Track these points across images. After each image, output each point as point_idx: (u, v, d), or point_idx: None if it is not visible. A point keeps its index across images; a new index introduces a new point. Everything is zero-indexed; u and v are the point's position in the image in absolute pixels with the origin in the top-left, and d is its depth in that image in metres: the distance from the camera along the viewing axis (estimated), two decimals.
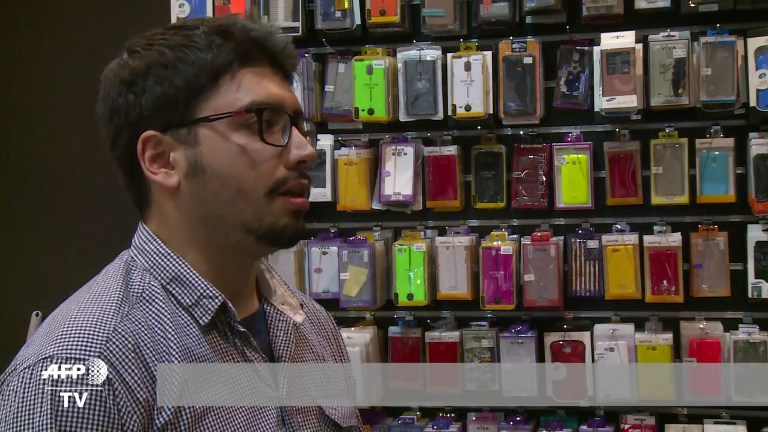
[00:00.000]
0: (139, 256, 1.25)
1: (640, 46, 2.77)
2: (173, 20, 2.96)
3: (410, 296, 2.91)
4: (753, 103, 2.69)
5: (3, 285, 3.74)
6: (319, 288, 2.99)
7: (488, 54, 2.89)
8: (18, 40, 3.74)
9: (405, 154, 2.96)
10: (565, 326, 2.89)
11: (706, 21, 2.76)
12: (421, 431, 2.91)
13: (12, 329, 3.39)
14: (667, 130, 2.81)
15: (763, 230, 2.74)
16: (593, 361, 2.82)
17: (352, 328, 2.99)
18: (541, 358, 2.87)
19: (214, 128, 1.20)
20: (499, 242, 2.87)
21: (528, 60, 2.85)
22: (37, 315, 3.40)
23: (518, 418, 2.88)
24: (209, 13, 3.03)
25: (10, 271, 3.74)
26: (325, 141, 3.02)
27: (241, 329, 1.23)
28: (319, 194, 3.01)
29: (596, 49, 2.77)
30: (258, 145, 1.20)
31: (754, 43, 2.71)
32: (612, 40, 2.76)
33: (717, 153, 2.76)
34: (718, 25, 2.74)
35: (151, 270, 1.23)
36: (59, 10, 3.69)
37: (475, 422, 2.94)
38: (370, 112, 2.92)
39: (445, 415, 2.98)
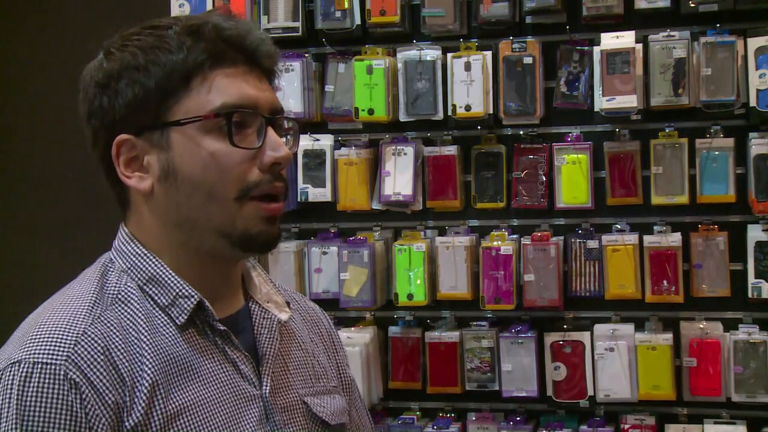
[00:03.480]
0: (118, 258, 1.24)
1: (640, 46, 2.77)
2: None
3: (410, 296, 2.91)
4: (753, 103, 2.69)
5: (3, 285, 3.74)
6: (319, 288, 2.99)
7: (488, 54, 2.89)
8: (17, 40, 3.74)
9: (405, 154, 2.96)
10: (565, 326, 2.89)
11: (706, 21, 2.76)
12: (421, 431, 2.91)
13: (12, 329, 3.39)
14: (667, 130, 2.81)
15: (763, 230, 2.74)
16: (593, 361, 2.82)
17: (352, 328, 2.99)
18: (541, 358, 2.87)
19: (185, 132, 1.19)
20: (499, 242, 2.87)
21: (528, 60, 2.85)
22: None
23: (518, 418, 2.88)
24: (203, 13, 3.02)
25: (10, 271, 3.74)
26: (325, 141, 3.02)
27: (221, 328, 1.23)
28: (319, 194, 3.01)
29: (596, 49, 2.77)
30: (228, 148, 1.18)
31: (754, 43, 2.70)
32: (612, 40, 2.76)
33: (717, 153, 2.76)
34: (718, 25, 2.74)
35: (129, 271, 1.22)
36: (58, 9, 3.69)
37: (475, 422, 2.94)
38: (370, 112, 2.92)
39: (445, 415, 2.98)
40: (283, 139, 1.24)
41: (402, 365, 3.00)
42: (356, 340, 2.91)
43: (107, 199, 1.29)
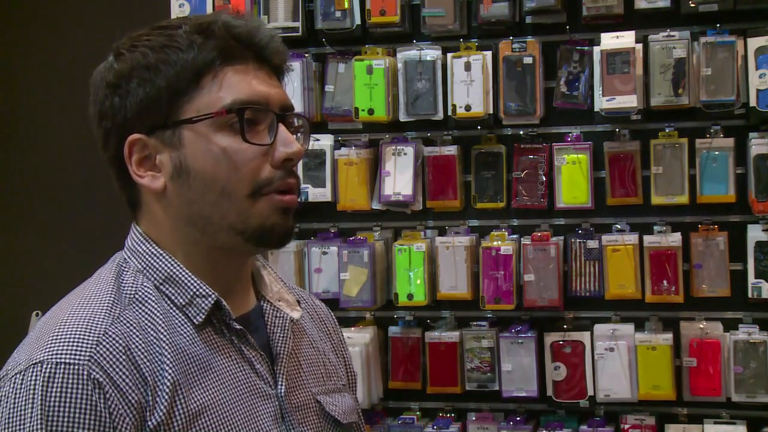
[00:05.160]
0: (132, 258, 1.24)
1: (640, 46, 2.76)
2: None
3: (410, 296, 2.91)
4: (753, 103, 2.69)
5: (3, 285, 3.74)
6: (319, 288, 2.99)
7: (488, 54, 2.89)
8: (17, 41, 3.73)
9: (405, 154, 2.96)
10: (565, 326, 2.89)
11: (706, 21, 2.76)
12: (421, 431, 2.91)
13: (12, 329, 3.39)
14: (667, 130, 2.81)
15: (763, 230, 2.74)
16: (593, 361, 2.82)
17: (352, 328, 2.99)
18: (541, 358, 2.87)
19: (197, 129, 1.19)
20: (499, 242, 2.87)
21: (528, 60, 2.85)
22: (37, 315, 3.40)
23: (518, 418, 2.88)
24: (209, 12, 3.03)
25: (10, 271, 3.74)
26: (325, 141, 3.02)
27: (238, 327, 1.23)
28: (319, 194, 3.01)
29: (596, 49, 2.77)
30: (241, 145, 1.19)
31: (754, 43, 2.70)
32: (612, 40, 2.76)
33: (717, 153, 2.76)
34: (718, 25, 2.74)
35: (144, 271, 1.23)
36: (58, 10, 3.69)
37: (475, 422, 2.94)
38: (370, 112, 2.92)
39: (445, 415, 2.98)
40: (294, 137, 1.24)
41: (402, 365, 3.00)
42: (356, 340, 2.91)
43: (116, 199, 1.29)
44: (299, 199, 1.27)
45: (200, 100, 1.19)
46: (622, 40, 2.75)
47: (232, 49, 1.21)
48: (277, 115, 1.22)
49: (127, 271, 1.23)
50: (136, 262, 1.24)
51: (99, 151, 1.26)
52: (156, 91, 1.19)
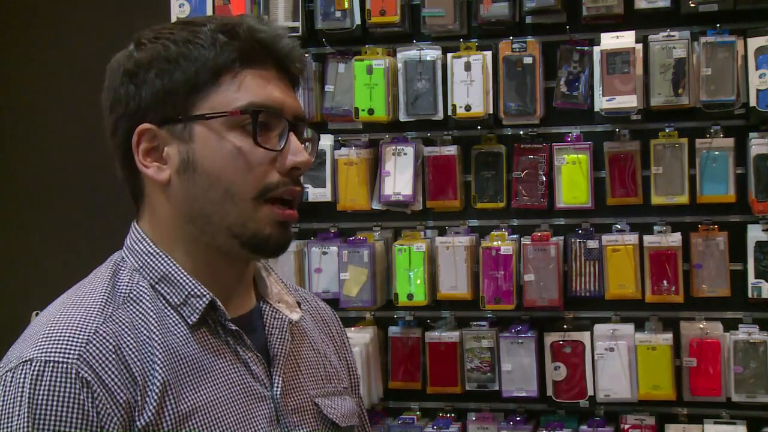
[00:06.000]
0: (130, 257, 1.25)
1: (640, 46, 2.76)
2: (173, 20, 2.96)
3: (410, 296, 2.91)
4: (753, 103, 2.69)
5: (3, 285, 3.74)
6: (319, 288, 2.99)
7: (488, 54, 2.89)
8: (17, 40, 3.74)
9: (405, 154, 2.96)
10: (565, 326, 2.89)
11: (706, 21, 2.76)
12: (421, 431, 2.91)
13: (12, 329, 3.39)
14: (667, 130, 2.81)
15: (763, 230, 2.74)
16: (593, 361, 2.82)
17: (352, 328, 2.99)
18: (541, 358, 2.87)
19: (210, 126, 1.19)
20: (499, 242, 2.87)
21: (528, 60, 2.85)
22: (36, 315, 3.40)
23: (518, 418, 2.88)
24: (209, 13, 3.03)
25: (10, 271, 3.74)
26: (325, 141, 3.02)
27: (233, 328, 1.23)
28: (319, 194, 3.01)
29: (596, 49, 2.77)
30: (251, 147, 1.19)
31: (754, 43, 2.70)
32: (612, 40, 2.76)
33: (717, 153, 2.76)
34: (718, 25, 2.74)
35: (140, 270, 1.23)
36: (59, 9, 3.69)
37: (475, 422, 2.94)
38: (370, 112, 2.92)
39: (445, 415, 2.98)
40: (303, 146, 1.25)
41: (402, 365, 3.00)
42: (356, 340, 2.91)
43: (116, 200, 1.29)
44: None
45: (216, 99, 1.20)
46: (622, 40, 2.75)
47: (253, 53, 1.21)
48: (290, 123, 1.23)
49: (124, 270, 1.23)
50: (133, 261, 1.24)
51: (107, 139, 1.26)
52: (173, 84, 1.19)
